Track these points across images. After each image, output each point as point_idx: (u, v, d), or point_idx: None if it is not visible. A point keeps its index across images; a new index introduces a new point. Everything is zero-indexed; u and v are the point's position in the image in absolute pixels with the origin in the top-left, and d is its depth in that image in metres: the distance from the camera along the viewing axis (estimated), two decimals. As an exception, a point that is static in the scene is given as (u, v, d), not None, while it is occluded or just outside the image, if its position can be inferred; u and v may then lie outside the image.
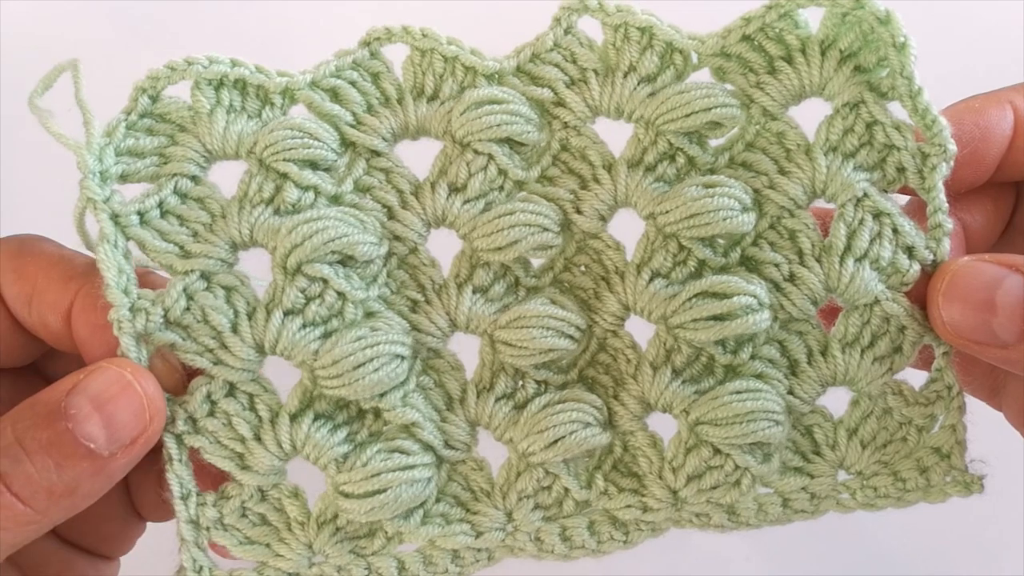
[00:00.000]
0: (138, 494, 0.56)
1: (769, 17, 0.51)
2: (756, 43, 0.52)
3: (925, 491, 0.51)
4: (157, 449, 0.50)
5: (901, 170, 0.50)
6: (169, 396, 0.50)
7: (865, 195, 0.50)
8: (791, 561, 0.84)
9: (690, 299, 0.51)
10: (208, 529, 0.51)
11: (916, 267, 0.50)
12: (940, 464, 0.51)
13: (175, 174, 0.51)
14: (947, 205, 0.49)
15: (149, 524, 0.58)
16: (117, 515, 0.56)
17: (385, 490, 0.50)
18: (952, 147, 0.49)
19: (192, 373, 0.52)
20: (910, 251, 0.50)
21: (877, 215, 0.50)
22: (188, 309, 0.50)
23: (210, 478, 0.52)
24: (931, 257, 0.50)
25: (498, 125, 0.51)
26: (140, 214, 0.51)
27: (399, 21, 0.52)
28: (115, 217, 0.50)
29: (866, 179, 0.50)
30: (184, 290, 0.50)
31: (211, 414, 0.51)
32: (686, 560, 0.81)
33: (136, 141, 0.51)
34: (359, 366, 0.49)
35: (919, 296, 0.50)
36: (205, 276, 0.50)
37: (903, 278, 0.50)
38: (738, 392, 0.50)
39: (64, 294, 0.50)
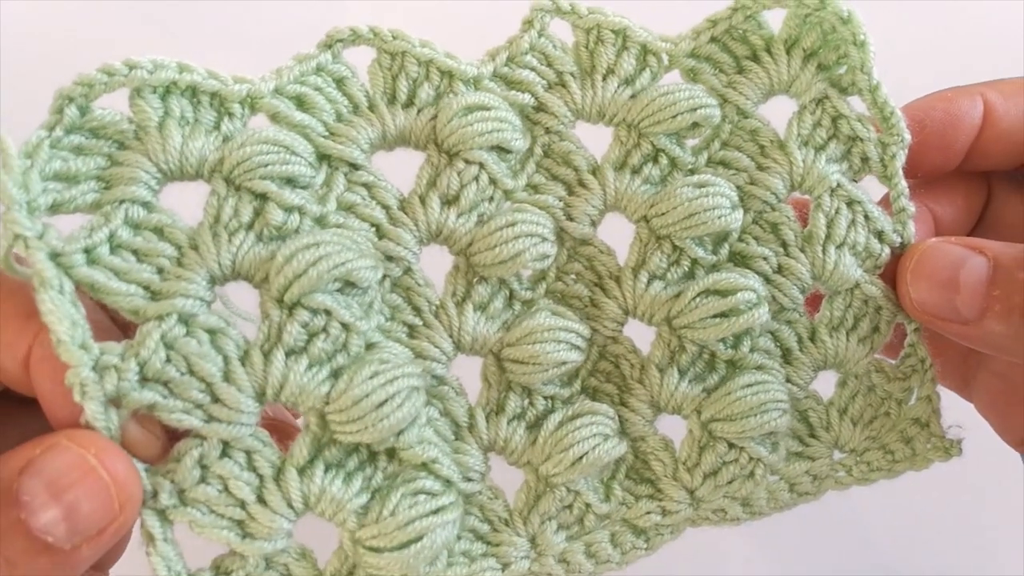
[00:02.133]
0: None
1: (735, 19, 0.52)
2: (723, 44, 0.53)
3: (911, 460, 0.55)
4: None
5: (865, 160, 0.53)
6: (149, 468, 0.42)
7: (839, 185, 0.53)
8: (791, 562, 0.85)
9: (694, 299, 0.50)
10: None
11: (887, 250, 0.53)
12: (921, 433, 0.55)
13: (123, 200, 0.43)
14: (908, 190, 0.53)
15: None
16: None
17: (420, 538, 0.45)
18: (907, 136, 0.52)
19: (173, 436, 0.44)
20: (880, 235, 0.53)
21: (850, 203, 0.53)
22: (169, 360, 0.42)
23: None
24: (899, 240, 0.53)
25: (489, 132, 0.48)
26: (87, 251, 0.42)
27: (395, 23, 0.47)
28: (55, 257, 0.41)
29: (837, 170, 0.53)
30: (162, 339, 0.42)
31: (203, 481, 0.43)
32: (686, 562, 0.79)
33: (64, 163, 0.43)
34: (380, 405, 0.44)
35: (889, 278, 0.54)
36: (183, 319, 0.43)
37: (876, 261, 0.53)
38: (749, 386, 0.51)
39: (22, 336, 0.41)
